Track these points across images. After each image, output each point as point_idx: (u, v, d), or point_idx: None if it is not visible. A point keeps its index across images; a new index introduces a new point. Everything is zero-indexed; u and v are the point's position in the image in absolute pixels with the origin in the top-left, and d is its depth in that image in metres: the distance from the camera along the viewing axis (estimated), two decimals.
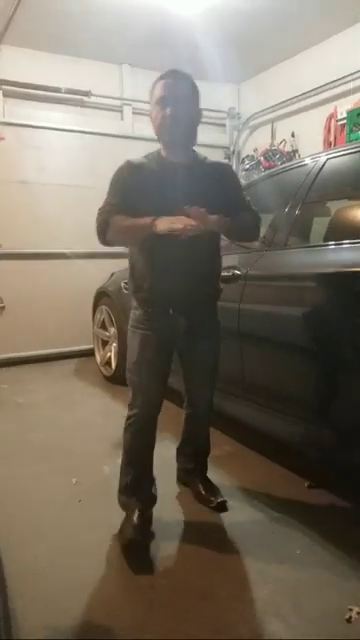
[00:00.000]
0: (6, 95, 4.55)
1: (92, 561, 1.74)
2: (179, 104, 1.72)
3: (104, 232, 1.77)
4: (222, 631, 1.39)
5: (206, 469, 2.16)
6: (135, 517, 1.80)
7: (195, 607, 1.50)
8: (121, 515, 1.86)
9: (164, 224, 1.61)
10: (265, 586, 1.57)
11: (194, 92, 1.79)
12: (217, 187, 1.81)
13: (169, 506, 2.04)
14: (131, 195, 1.75)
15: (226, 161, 1.90)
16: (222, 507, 2.02)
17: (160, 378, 1.88)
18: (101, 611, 1.50)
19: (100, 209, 1.80)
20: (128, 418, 1.90)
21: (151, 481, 1.93)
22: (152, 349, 1.83)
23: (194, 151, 1.87)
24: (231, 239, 2.07)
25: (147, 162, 1.81)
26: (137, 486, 1.88)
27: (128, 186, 1.77)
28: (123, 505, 1.89)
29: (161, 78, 1.76)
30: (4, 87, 4.52)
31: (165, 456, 2.08)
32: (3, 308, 4.63)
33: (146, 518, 1.83)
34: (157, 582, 1.62)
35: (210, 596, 1.54)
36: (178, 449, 2.22)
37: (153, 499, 1.91)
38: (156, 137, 1.82)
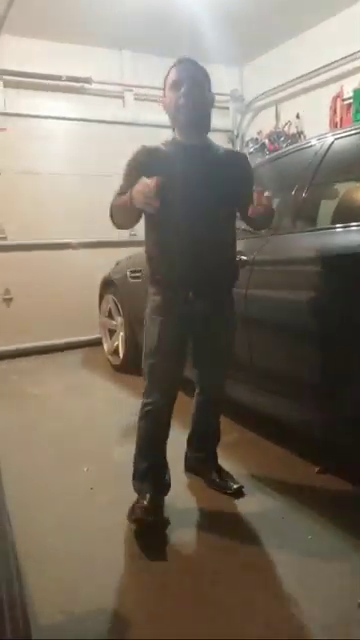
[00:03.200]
0: (7, 85, 4.52)
1: (105, 547, 1.75)
2: (193, 85, 1.78)
3: (111, 215, 1.82)
4: (233, 614, 1.40)
5: (217, 456, 2.15)
6: (146, 500, 1.80)
7: (206, 591, 1.51)
8: (132, 502, 1.86)
9: (137, 196, 1.61)
10: (276, 571, 1.58)
11: (206, 77, 1.85)
12: (233, 175, 1.82)
13: (181, 493, 2.04)
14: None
15: (243, 152, 1.89)
16: (239, 493, 2.03)
17: (179, 365, 1.88)
18: (114, 596, 1.52)
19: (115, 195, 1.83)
20: (144, 406, 1.89)
21: (165, 468, 1.93)
22: (172, 336, 1.83)
23: (209, 138, 1.89)
24: (247, 223, 1.96)
25: (162, 146, 1.83)
26: (151, 473, 1.88)
27: (142, 171, 1.70)
28: (137, 490, 1.89)
29: (174, 65, 1.82)
30: (5, 77, 4.50)
31: (174, 444, 2.07)
32: (11, 299, 4.64)
33: (157, 501, 1.82)
34: (169, 566, 1.64)
35: (221, 581, 1.55)
36: (189, 438, 2.20)
37: (167, 486, 1.91)
38: (170, 123, 1.84)
